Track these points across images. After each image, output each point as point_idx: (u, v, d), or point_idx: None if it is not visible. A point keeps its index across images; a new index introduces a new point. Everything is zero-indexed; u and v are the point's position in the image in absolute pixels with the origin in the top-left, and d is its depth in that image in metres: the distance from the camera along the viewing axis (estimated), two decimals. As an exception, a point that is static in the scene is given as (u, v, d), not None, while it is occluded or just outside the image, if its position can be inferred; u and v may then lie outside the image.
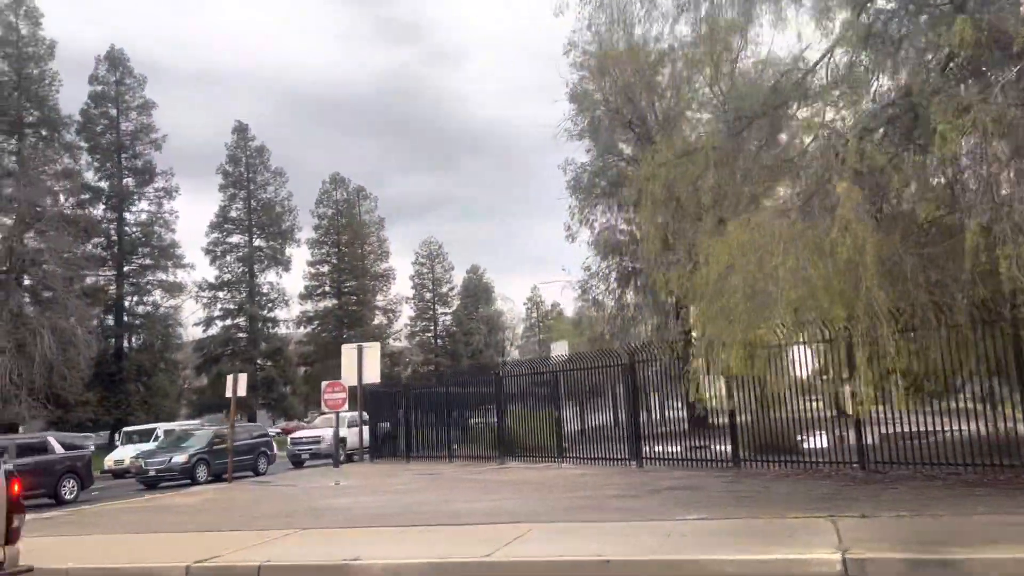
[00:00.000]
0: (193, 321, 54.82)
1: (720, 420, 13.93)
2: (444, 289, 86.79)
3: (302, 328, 65.47)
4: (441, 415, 22.77)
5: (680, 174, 12.33)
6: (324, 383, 24.90)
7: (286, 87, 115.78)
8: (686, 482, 12.01)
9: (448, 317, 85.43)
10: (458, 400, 22.18)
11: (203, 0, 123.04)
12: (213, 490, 17.70)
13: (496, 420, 19.51)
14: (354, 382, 24.08)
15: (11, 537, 5.37)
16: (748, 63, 30.27)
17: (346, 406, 24.25)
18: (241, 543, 8.72)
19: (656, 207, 12.32)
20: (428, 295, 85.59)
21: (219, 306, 56.65)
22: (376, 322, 72.06)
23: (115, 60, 48.76)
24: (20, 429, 35.40)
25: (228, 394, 20.65)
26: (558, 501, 10.83)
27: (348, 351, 26.24)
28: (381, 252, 75.10)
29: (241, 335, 56.40)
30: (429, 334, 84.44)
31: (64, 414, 37.30)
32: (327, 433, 29.41)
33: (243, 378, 20.95)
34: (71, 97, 72.94)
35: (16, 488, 5.50)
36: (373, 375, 25.19)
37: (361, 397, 25.05)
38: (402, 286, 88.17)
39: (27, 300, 36.07)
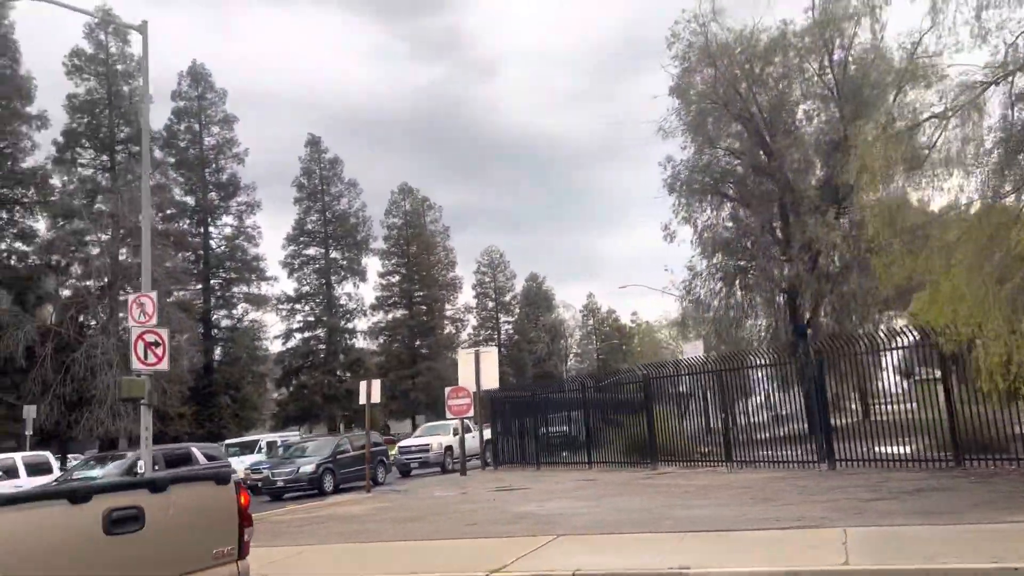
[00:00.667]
0: (274, 333, 55.07)
1: (928, 416, 12.91)
2: (507, 298, 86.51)
3: (374, 339, 65.49)
4: (573, 419, 22.07)
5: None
6: (447, 389, 24.33)
7: (329, 107, 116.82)
8: (932, 483, 11.04)
9: (510, 326, 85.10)
10: (594, 404, 21.43)
11: (239, 23, 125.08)
12: (365, 499, 17.16)
13: (645, 423, 18.68)
14: (472, 388, 23.50)
15: (243, 551, 4.88)
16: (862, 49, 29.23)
17: (471, 411, 23.71)
18: (506, 551, 8.03)
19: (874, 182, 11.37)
20: (491, 304, 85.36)
21: (298, 318, 56.86)
22: (446, 331, 71.81)
23: (197, 75, 49.32)
24: (120, 444, 35.62)
25: (362, 401, 20.21)
26: (805, 505, 9.96)
27: (465, 356, 25.70)
28: (448, 261, 74.95)
29: (320, 347, 56.46)
30: (492, 343, 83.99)
31: (163, 427, 37.45)
32: (435, 441, 28.91)
33: (376, 384, 20.50)
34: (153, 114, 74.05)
35: (245, 499, 5.00)
36: (491, 380, 24.55)
37: (480, 403, 24.48)
38: (464, 295, 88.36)
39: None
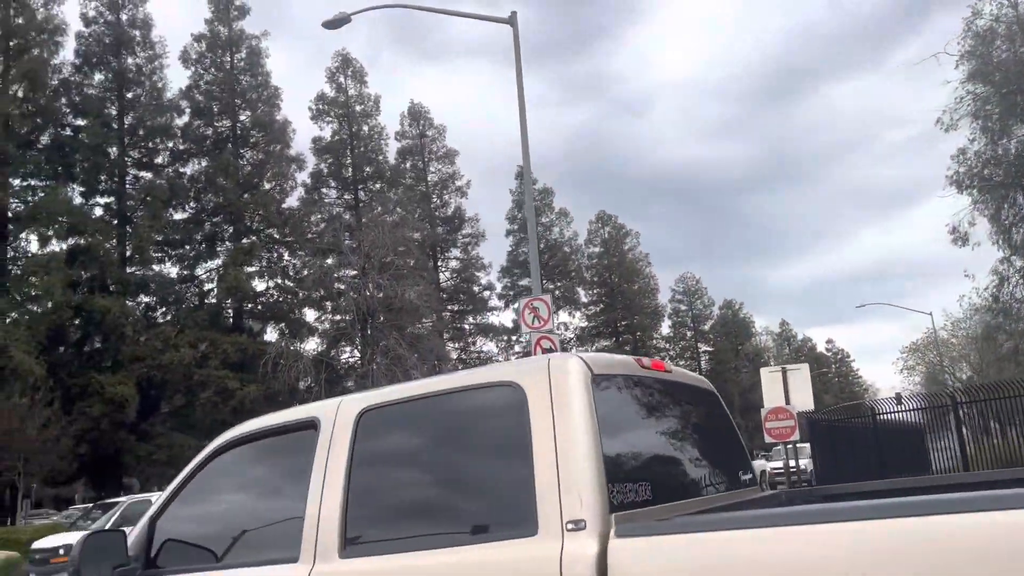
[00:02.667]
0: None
1: None
2: (705, 327, 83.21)
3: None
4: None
5: None
6: (764, 410, 22.22)
7: (488, 156, 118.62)
8: None
9: (709, 355, 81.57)
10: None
11: (400, 80, 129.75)
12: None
13: None
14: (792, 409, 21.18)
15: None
16: None
17: (795, 435, 21.44)
18: None
19: None
20: (688, 333, 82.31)
21: (516, 349, 56.55)
22: (652, 361, 69.59)
23: (416, 114, 50.65)
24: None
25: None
26: None
27: (769, 375, 23.47)
28: (649, 289, 72.95)
29: (539, 378, 55.88)
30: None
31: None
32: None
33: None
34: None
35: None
36: (805, 401, 22.20)
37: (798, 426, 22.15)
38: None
39: (398, 343, 36.80)
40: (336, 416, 3.13)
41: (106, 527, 16.84)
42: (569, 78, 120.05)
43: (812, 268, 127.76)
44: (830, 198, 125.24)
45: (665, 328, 78.20)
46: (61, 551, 15.94)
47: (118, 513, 16.64)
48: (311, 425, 3.19)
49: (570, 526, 2.46)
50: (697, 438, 3.37)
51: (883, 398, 23.37)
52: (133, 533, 3.38)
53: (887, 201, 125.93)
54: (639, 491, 2.69)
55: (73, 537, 16.56)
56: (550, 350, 13.82)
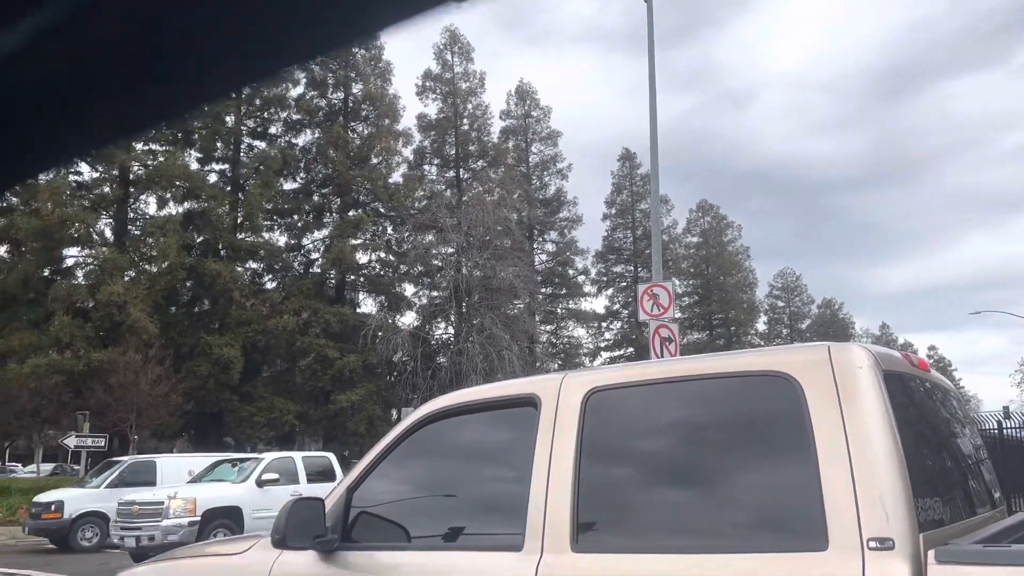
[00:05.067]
0: (583, 351, 54.55)
1: None
2: (802, 325, 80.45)
3: (671, 362, 63.17)
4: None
5: None
6: None
7: (582, 143, 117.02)
8: None
9: (805, 354, 78.94)
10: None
11: (506, 65, 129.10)
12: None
13: None
14: None
15: None
16: None
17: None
18: None
19: None
20: (784, 331, 79.74)
21: (606, 336, 56.09)
22: (746, 358, 67.79)
23: (523, 93, 50.37)
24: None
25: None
26: None
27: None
28: (747, 283, 70.92)
29: (629, 367, 55.25)
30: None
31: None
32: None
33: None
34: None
35: None
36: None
37: None
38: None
39: (494, 323, 36.93)
40: (559, 394, 2.86)
41: (102, 486, 16.18)
42: (672, 66, 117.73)
43: (916, 271, 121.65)
44: (938, 200, 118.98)
45: (761, 324, 76.07)
46: (53, 507, 16.00)
47: (115, 474, 16.64)
48: (530, 402, 2.93)
49: (873, 544, 2.11)
50: (965, 448, 2.97)
51: (988, 411, 21.73)
52: (330, 502, 3.21)
53: (1000, 207, 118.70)
54: (935, 508, 2.32)
55: (67, 494, 16.30)
56: (668, 339, 13.36)
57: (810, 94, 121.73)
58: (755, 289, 71.15)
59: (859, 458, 2.21)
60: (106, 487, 16.33)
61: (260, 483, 14.22)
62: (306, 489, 14.21)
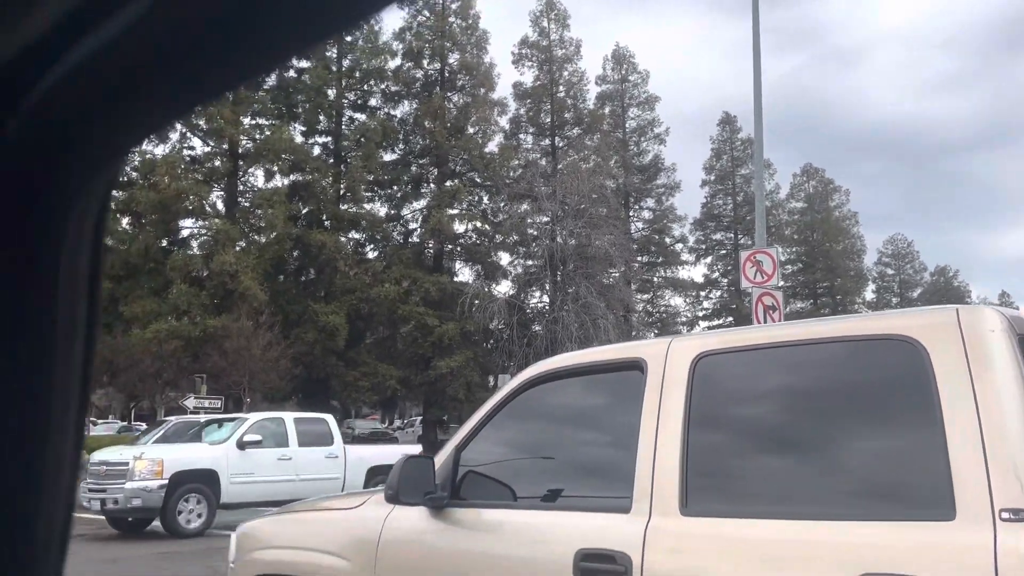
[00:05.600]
0: (680, 321, 53.82)
1: None
2: (913, 294, 76.69)
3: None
4: None
5: None
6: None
7: (684, 106, 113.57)
8: None
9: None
10: None
11: (605, 29, 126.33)
12: None
13: None
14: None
15: None
16: None
17: None
18: None
19: None
20: (894, 300, 76.24)
21: (704, 305, 55.09)
22: (853, 328, 65.35)
23: (619, 58, 49.54)
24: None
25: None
26: None
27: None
28: (854, 250, 68.05)
29: (729, 337, 54.26)
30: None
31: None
32: None
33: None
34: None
35: None
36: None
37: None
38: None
39: (589, 291, 36.90)
40: (666, 359, 2.83)
41: (150, 443, 14.51)
42: (776, 25, 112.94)
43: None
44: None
45: (869, 293, 72.99)
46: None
47: (160, 433, 15.65)
48: (635, 366, 2.92)
49: (1006, 515, 2.02)
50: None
51: None
52: (439, 460, 3.31)
53: None
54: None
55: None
56: (772, 308, 13.01)
57: (924, 51, 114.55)
58: (863, 256, 68.31)
59: (991, 426, 2.11)
60: (155, 441, 15.12)
61: (241, 445, 12.90)
62: (296, 453, 13.41)
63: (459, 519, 3.19)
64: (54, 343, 0.49)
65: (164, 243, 34.91)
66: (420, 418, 45.43)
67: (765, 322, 12.70)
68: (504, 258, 42.02)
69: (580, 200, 40.78)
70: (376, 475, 13.33)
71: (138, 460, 12.19)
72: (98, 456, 13.01)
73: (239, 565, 4.04)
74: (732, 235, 55.87)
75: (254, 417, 13.99)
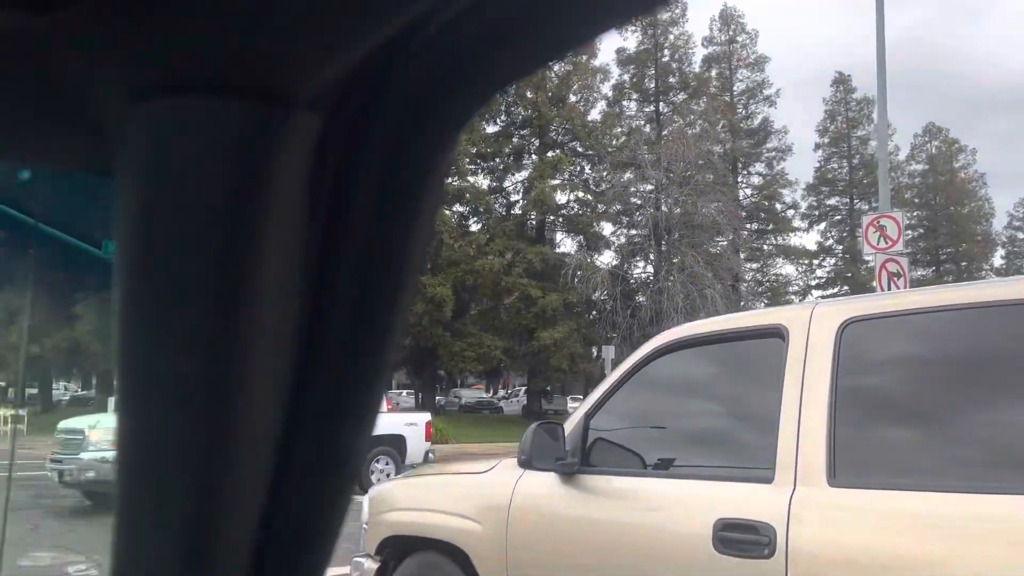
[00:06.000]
0: (792, 290, 52.05)
1: None
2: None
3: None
4: None
5: None
6: None
7: (796, 66, 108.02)
8: None
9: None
10: None
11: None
12: None
13: None
14: None
15: None
16: None
17: None
18: None
19: None
20: (1028, 265, 71.26)
21: (818, 274, 53.05)
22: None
23: (727, 18, 47.87)
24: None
25: None
26: None
27: None
28: (982, 214, 63.86)
29: (842, 306, 52.12)
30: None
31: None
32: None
33: None
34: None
35: None
36: None
37: None
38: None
39: (695, 261, 36.22)
40: (809, 325, 2.72)
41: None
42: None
43: None
44: None
45: (997, 259, 68.48)
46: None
47: None
48: (776, 333, 2.82)
49: None
50: None
51: None
52: (568, 427, 3.31)
53: None
54: None
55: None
56: (897, 274, 12.37)
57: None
58: (991, 220, 63.98)
59: None
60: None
61: None
62: None
63: (590, 486, 3.19)
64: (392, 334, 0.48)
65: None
66: (524, 388, 45.91)
67: (889, 290, 12.12)
68: (607, 228, 41.67)
69: (686, 167, 39.85)
70: (372, 447, 11.71)
71: (92, 429, 11.00)
72: (62, 424, 11.99)
73: (371, 526, 4.18)
74: (847, 200, 53.41)
75: None
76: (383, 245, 0.45)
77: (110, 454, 9.54)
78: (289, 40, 0.36)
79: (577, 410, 3.42)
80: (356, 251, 0.45)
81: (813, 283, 53.37)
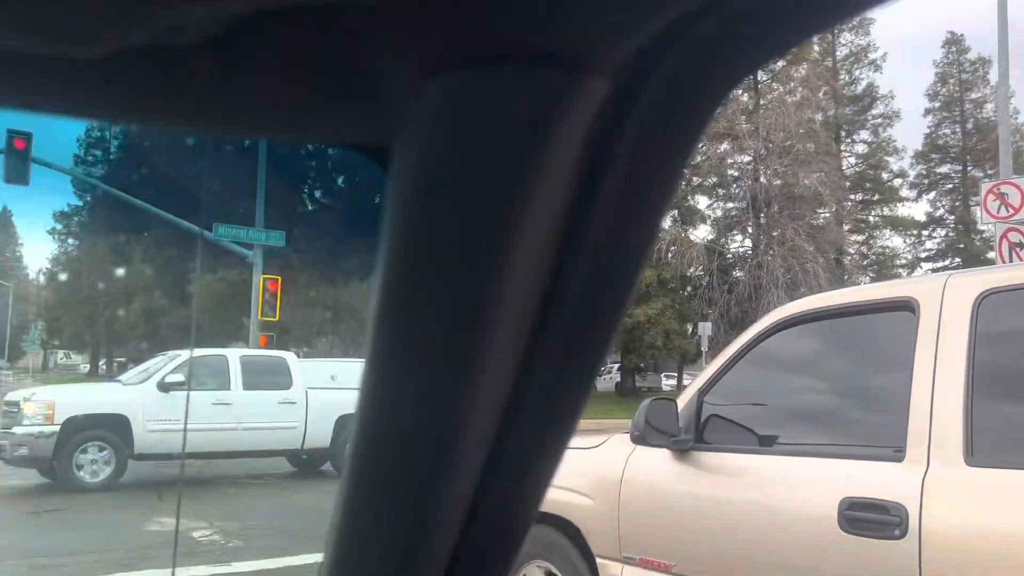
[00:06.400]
0: (899, 263, 49.73)
1: None
2: None
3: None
4: None
5: None
6: None
7: (893, 30, 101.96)
8: None
9: None
10: None
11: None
12: None
13: None
14: None
15: None
16: None
17: None
18: None
19: None
20: None
21: (928, 245, 50.46)
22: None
23: (828, -19, 45.67)
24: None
25: None
26: None
27: None
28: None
29: (955, 279, 49.48)
30: None
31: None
32: None
33: None
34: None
35: None
36: None
37: None
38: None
39: (796, 233, 35.11)
40: (943, 298, 2.59)
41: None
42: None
43: None
44: None
45: None
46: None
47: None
48: (905, 306, 2.69)
49: None
50: None
51: None
52: (682, 403, 3.27)
53: None
54: None
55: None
56: (1020, 245, 11.64)
57: None
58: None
59: None
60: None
61: (164, 386, 10.71)
62: (239, 398, 11.26)
63: (703, 463, 3.14)
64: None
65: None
66: (617, 365, 45.63)
67: (1011, 261, 11.43)
68: (702, 201, 40.77)
69: (786, 136, 38.50)
70: (347, 426, 11.21)
71: (27, 402, 10.37)
72: (8, 396, 11.32)
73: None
74: (960, 167, 50.44)
75: (185, 354, 11.64)
76: (629, 224, 0.43)
77: (46, 428, 10.03)
78: (604, 4, 0.35)
79: (690, 386, 3.37)
80: (601, 229, 0.43)
81: (923, 255, 50.87)
